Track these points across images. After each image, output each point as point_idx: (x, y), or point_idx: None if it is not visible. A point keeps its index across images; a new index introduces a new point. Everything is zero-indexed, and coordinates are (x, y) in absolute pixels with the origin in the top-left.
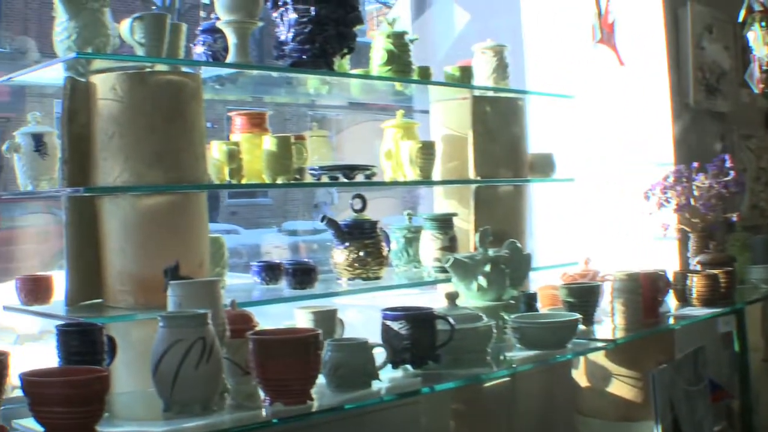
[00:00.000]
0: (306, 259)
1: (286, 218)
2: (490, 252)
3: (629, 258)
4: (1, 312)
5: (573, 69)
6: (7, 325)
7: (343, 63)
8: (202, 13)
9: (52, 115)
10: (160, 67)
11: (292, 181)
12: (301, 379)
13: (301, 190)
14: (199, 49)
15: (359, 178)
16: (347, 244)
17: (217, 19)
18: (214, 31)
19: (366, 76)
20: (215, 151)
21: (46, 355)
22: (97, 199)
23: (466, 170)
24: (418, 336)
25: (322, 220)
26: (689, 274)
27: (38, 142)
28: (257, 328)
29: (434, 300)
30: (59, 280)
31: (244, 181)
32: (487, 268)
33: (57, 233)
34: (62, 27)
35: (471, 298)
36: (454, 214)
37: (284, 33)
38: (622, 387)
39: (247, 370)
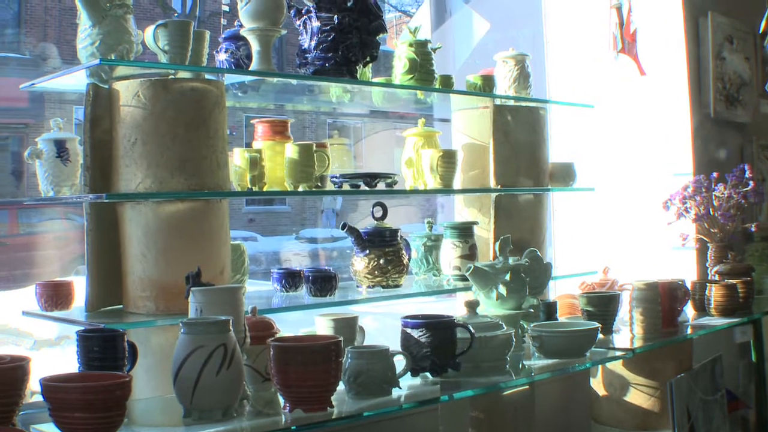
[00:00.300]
0: (326, 267)
1: (304, 226)
2: (510, 261)
3: (648, 267)
4: (20, 317)
5: (594, 78)
6: (25, 331)
7: (366, 71)
8: (223, 21)
9: (71, 122)
10: (184, 74)
11: (314, 189)
12: (322, 386)
13: (320, 197)
14: (222, 57)
15: (380, 186)
16: (367, 251)
17: (241, 26)
18: (237, 39)
19: (389, 85)
20: (237, 158)
21: (63, 361)
22: (119, 206)
23: (487, 179)
24: (438, 344)
25: (342, 228)
26: (708, 284)
27: (60, 148)
28: (278, 335)
29: (452, 308)
30: (79, 286)
31: (265, 189)
32: (507, 276)
33: (75, 239)
34: (85, 34)
35: (491, 306)
36: (475, 223)
37: (307, 41)
38: (639, 396)
39: (267, 376)
